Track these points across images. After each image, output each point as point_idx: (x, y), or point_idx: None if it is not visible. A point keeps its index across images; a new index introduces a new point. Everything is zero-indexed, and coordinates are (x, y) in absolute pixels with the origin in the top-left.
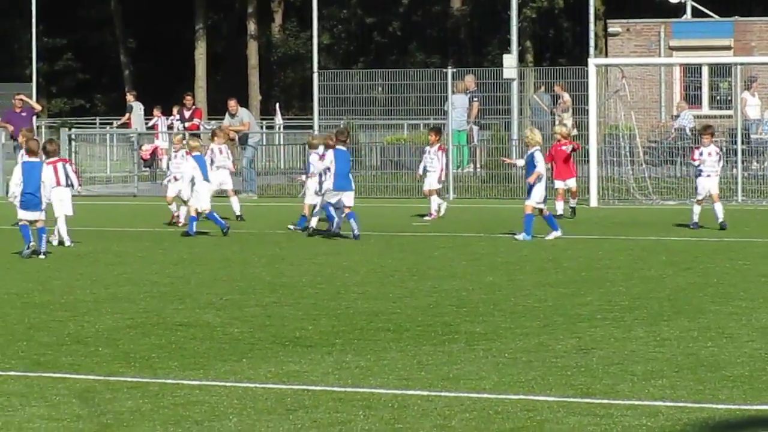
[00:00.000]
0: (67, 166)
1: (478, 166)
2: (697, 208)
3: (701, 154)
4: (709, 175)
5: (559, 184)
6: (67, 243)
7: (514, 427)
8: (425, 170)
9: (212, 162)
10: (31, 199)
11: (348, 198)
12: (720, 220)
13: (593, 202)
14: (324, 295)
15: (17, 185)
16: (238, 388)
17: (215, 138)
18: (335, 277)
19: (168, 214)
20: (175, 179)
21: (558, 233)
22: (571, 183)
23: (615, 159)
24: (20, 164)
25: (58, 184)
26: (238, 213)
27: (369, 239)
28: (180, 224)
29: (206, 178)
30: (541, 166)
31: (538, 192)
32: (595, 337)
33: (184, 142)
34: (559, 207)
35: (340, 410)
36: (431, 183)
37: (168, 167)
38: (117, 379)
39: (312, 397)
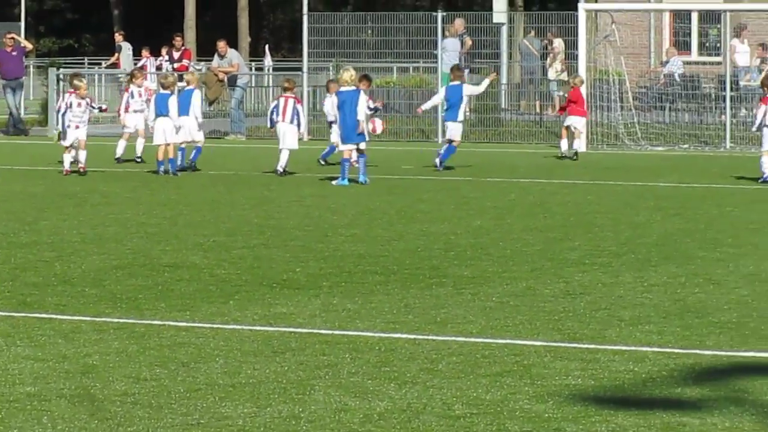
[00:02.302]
0: None
1: (467, 110)
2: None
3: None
4: None
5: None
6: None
7: (500, 371)
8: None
9: (128, 105)
10: None
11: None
12: None
13: (582, 146)
14: (312, 237)
15: None
16: (224, 330)
17: (134, 79)
18: (323, 220)
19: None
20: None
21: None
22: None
23: (604, 104)
24: None
25: None
26: (139, 155)
27: (356, 182)
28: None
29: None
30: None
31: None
32: (582, 282)
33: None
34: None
35: (327, 353)
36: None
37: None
38: (103, 320)
39: (299, 339)
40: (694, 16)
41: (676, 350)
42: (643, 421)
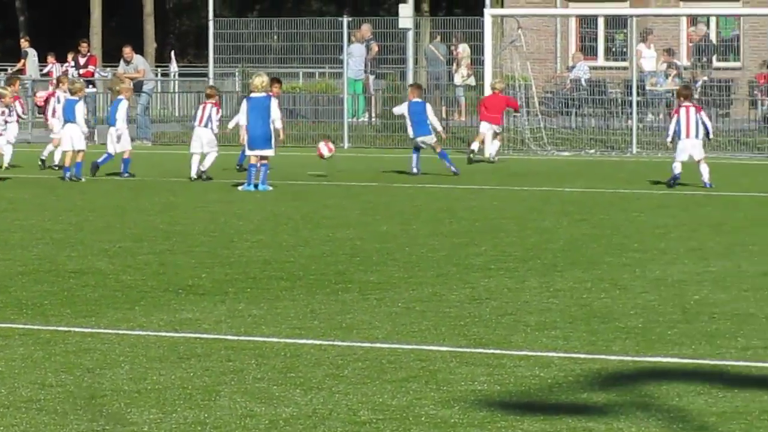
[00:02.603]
0: None
1: (373, 115)
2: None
3: None
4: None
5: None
6: None
7: (406, 377)
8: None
9: (55, 111)
10: None
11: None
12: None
13: (487, 152)
14: (217, 243)
15: None
16: (130, 335)
17: (60, 84)
18: (229, 225)
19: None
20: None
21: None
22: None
23: (511, 110)
24: None
25: None
26: (57, 162)
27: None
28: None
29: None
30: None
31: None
32: (488, 288)
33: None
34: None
35: (233, 359)
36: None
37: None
38: (8, 325)
39: (204, 345)
40: (601, 21)
41: (582, 355)
42: (549, 427)
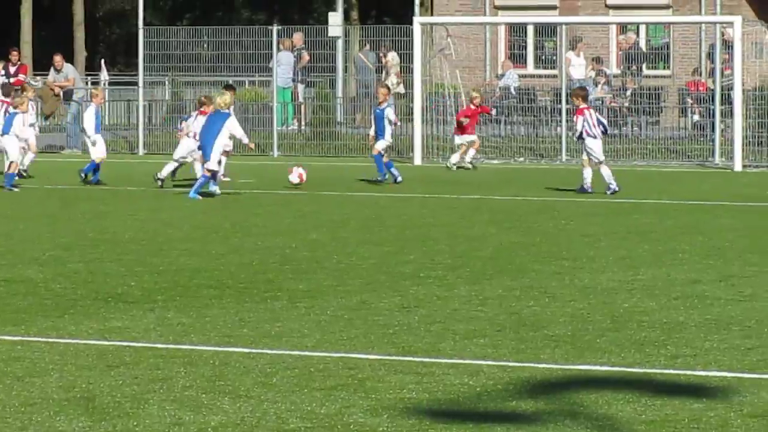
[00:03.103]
0: None
1: (302, 123)
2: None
3: None
4: None
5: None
6: None
7: (335, 385)
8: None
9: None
10: None
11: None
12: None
13: (417, 160)
14: (147, 251)
15: None
16: (59, 344)
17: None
18: (158, 233)
19: None
20: None
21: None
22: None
23: (440, 117)
24: None
25: None
26: (25, 168)
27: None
28: None
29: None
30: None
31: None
32: (417, 296)
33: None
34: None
35: (162, 367)
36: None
37: None
38: None
39: (134, 353)
40: (530, 29)
41: (511, 363)
42: None
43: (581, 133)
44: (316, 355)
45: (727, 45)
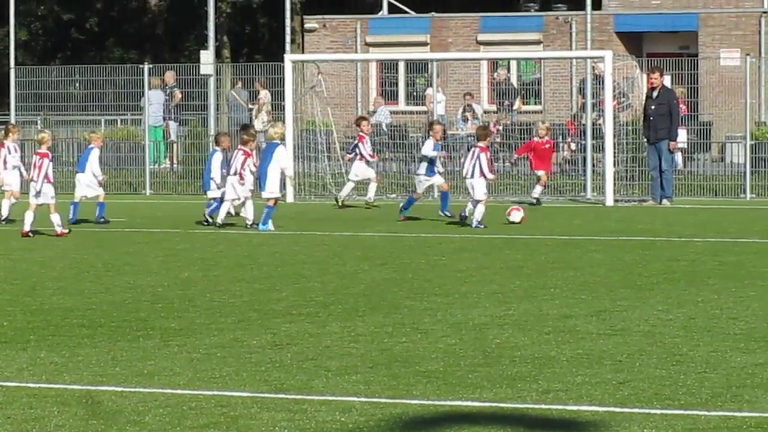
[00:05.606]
0: None
1: (174, 161)
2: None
3: None
4: None
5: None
6: None
7: (207, 423)
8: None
9: (6, 162)
10: None
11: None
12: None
13: (289, 197)
14: (19, 290)
15: None
16: None
17: (10, 134)
18: (31, 273)
19: None
20: None
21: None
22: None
23: (312, 155)
24: None
25: None
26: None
27: (68, 236)
28: None
29: None
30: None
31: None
32: (289, 333)
33: None
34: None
35: (34, 406)
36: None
37: None
38: None
39: (6, 393)
40: (402, 66)
41: (383, 400)
42: None
43: (473, 171)
44: (189, 393)
45: (599, 80)
